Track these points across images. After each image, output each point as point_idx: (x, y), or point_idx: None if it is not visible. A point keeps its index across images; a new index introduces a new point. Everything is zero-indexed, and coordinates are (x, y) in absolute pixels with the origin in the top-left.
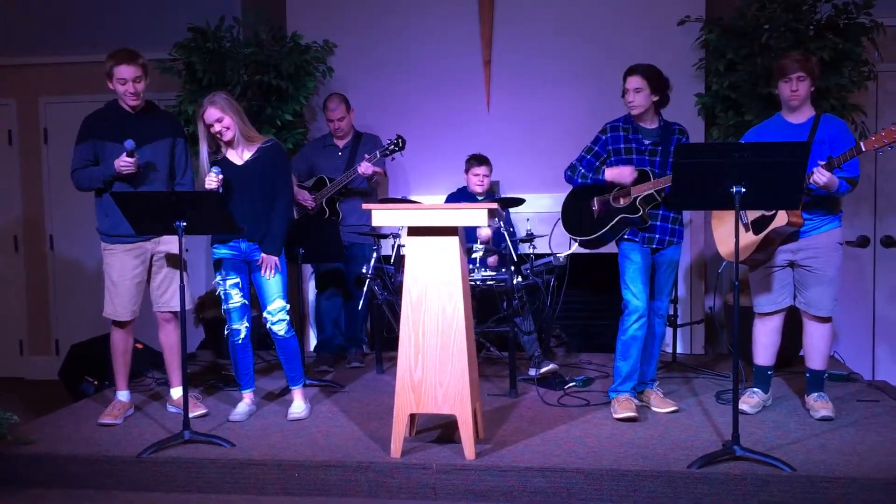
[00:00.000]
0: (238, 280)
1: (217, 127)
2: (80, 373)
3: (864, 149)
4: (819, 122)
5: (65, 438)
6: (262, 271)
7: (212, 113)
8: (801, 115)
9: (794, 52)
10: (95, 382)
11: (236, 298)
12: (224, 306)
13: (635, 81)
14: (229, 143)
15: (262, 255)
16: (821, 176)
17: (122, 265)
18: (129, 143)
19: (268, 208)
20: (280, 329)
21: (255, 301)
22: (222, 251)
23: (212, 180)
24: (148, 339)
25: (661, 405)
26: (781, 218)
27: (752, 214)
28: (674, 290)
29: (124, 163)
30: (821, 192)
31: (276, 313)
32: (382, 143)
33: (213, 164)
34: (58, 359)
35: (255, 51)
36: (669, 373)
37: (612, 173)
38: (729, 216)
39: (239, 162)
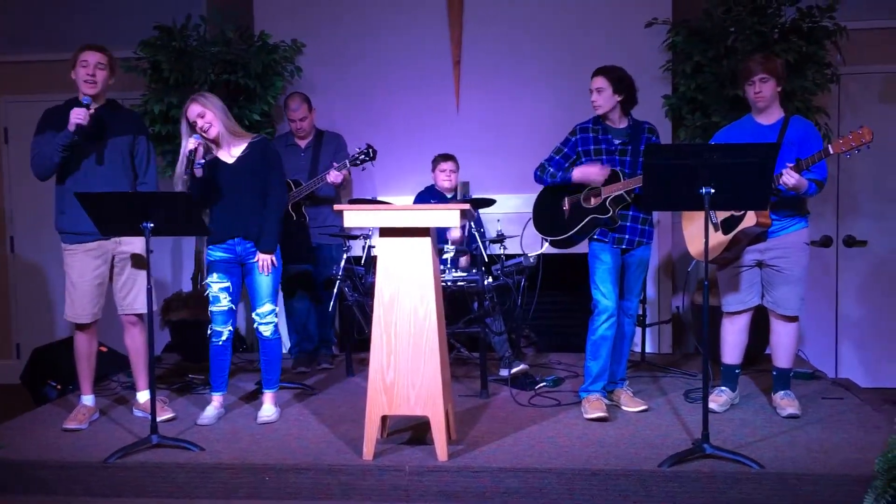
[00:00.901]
0: (228, 284)
1: (200, 123)
2: (43, 377)
3: (831, 151)
4: (788, 124)
5: (29, 444)
6: (259, 268)
7: (193, 109)
8: (771, 117)
9: (758, 55)
10: (59, 387)
11: (224, 302)
12: (210, 307)
13: (597, 82)
14: (215, 141)
15: (259, 254)
16: (790, 178)
17: (82, 266)
18: (86, 99)
19: (261, 205)
20: (266, 331)
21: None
22: (217, 254)
23: (191, 143)
24: (113, 342)
25: (631, 404)
26: (750, 219)
27: (722, 214)
28: (643, 290)
29: (76, 113)
30: (790, 194)
31: (265, 316)
32: (345, 142)
33: (205, 163)
34: (19, 362)
35: (222, 50)
36: (638, 372)
37: (580, 172)
38: (699, 215)
39: (230, 160)
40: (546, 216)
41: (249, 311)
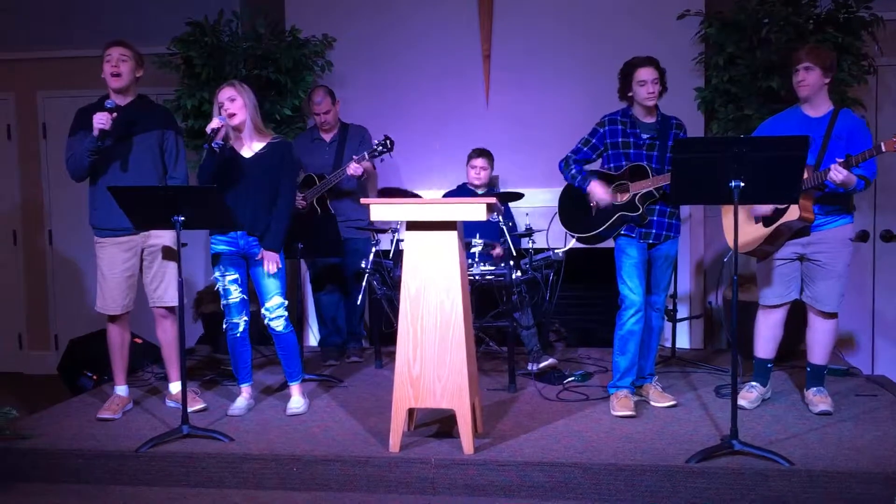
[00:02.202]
0: (237, 276)
1: (227, 106)
2: (79, 367)
3: (884, 150)
4: (837, 117)
5: (63, 433)
6: (264, 266)
7: (226, 91)
8: (819, 109)
9: (809, 44)
10: (94, 377)
11: (235, 294)
12: (223, 301)
13: (652, 72)
14: (237, 129)
15: (263, 250)
16: (837, 174)
17: (112, 258)
18: (110, 103)
19: (270, 204)
20: (278, 325)
21: (254, 295)
22: (220, 246)
23: (214, 122)
24: (148, 334)
25: (659, 399)
26: (793, 212)
27: (765, 207)
28: (671, 284)
29: (99, 118)
30: (838, 190)
31: (274, 310)
32: (370, 135)
33: (221, 150)
34: (57, 353)
35: (253, 45)
36: (668, 367)
37: (593, 189)
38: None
39: (248, 154)
40: (572, 212)
41: None
